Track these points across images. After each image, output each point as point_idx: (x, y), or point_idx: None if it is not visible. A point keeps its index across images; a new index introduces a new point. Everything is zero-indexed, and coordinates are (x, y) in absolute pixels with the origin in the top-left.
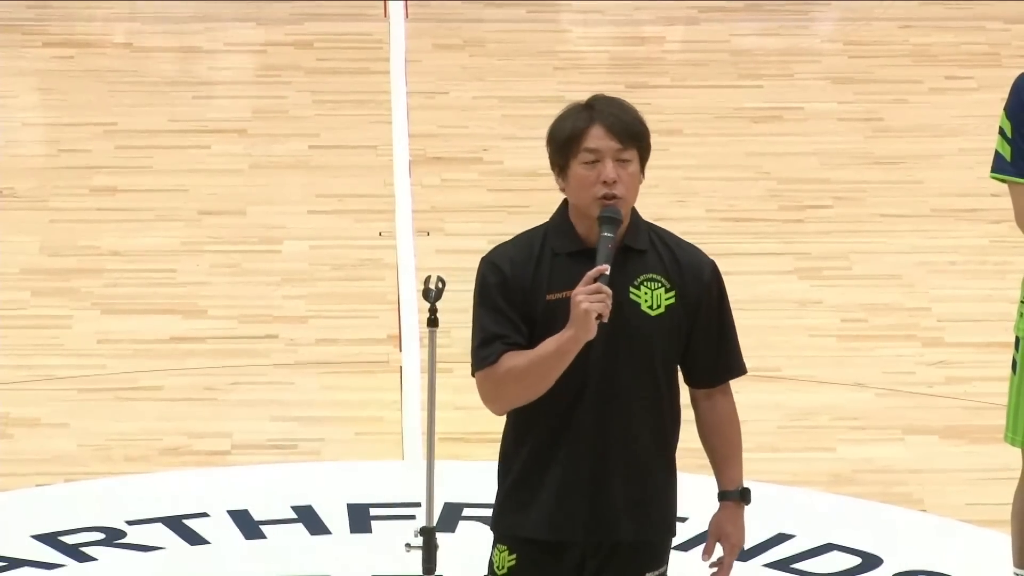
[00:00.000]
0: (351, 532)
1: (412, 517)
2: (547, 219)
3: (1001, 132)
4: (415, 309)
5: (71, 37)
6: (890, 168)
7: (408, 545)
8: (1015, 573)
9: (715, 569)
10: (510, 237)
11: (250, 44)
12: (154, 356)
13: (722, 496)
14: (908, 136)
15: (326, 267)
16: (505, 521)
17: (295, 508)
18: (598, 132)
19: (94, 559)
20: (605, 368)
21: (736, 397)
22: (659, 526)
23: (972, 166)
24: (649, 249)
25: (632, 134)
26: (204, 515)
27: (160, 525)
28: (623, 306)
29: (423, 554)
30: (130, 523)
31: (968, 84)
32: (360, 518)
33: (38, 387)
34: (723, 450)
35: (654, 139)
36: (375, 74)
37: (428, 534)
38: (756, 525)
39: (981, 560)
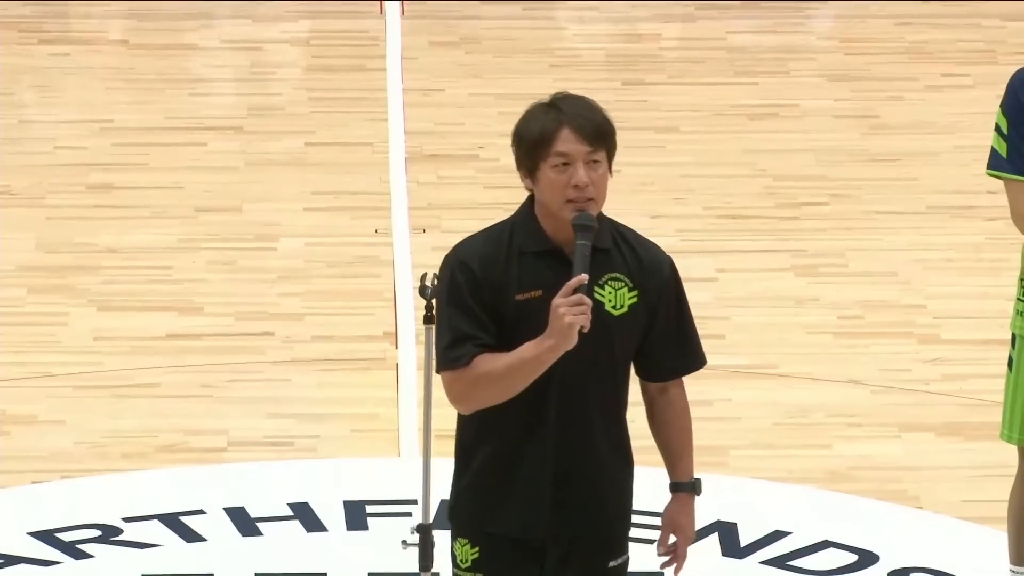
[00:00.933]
0: (347, 529)
1: (408, 514)
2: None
3: (997, 129)
4: (411, 306)
5: (67, 34)
6: (886, 165)
7: (404, 542)
8: (1011, 570)
9: (666, 558)
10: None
11: (246, 41)
12: (150, 353)
13: (675, 488)
14: (904, 133)
15: (322, 264)
16: (466, 514)
17: (291, 505)
18: (568, 135)
19: (90, 556)
20: (571, 368)
21: (732, 394)
22: (617, 519)
23: (968, 163)
24: (612, 248)
25: (601, 135)
26: (200, 512)
27: (156, 522)
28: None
29: (419, 551)
30: (127, 520)
31: (964, 81)
32: (356, 515)
33: (35, 384)
34: (677, 443)
35: (650, 136)
36: (371, 71)
37: (424, 531)
38: (752, 522)
39: (977, 557)
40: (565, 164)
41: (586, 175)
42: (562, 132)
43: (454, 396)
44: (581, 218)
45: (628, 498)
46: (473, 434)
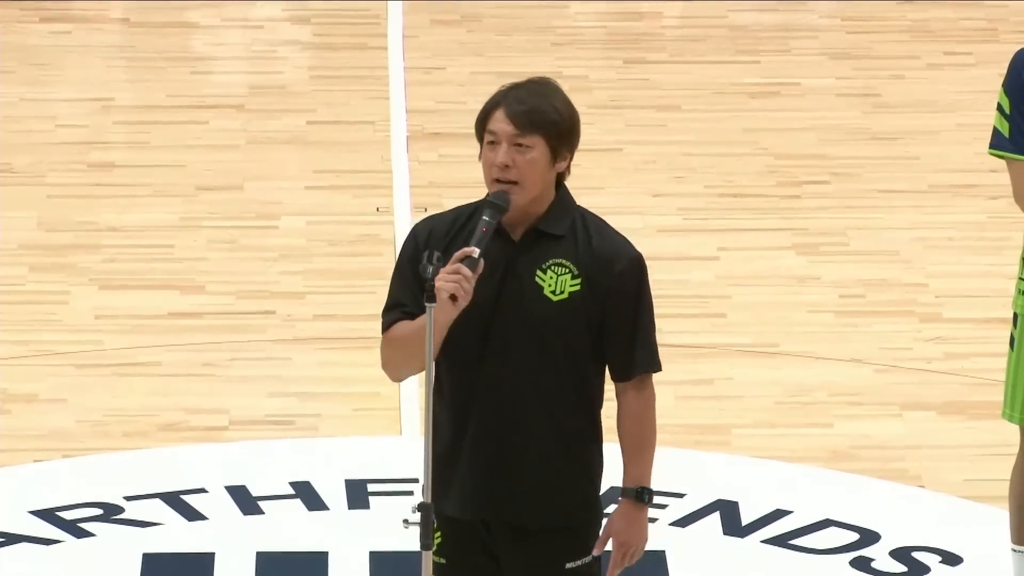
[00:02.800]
0: (349, 508)
1: (410, 493)
2: None
3: (999, 108)
4: None
5: (68, 12)
6: (888, 144)
7: (406, 521)
8: (1012, 549)
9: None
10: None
11: (247, 19)
12: (152, 332)
13: (620, 493)
14: (906, 112)
15: (323, 243)
16: (430, 496)
17: (293, 484)
18: (499, 115)
19: (92, 535)
20: (503, 350)
21: (733, 372)
22: (558, 511)
23: (970, 142)
24: (567, 235)
25: (534, 121)
26: (202, 491)
27: (158, 501)
28: (526, 289)
29: (421, 530)
30: (128, 499)
31: (966, 60)
32: (358, 494)
33: (36, 363)
34: (627, 447)
35: (651, 115)
36: (373, 49)
37: (426, 510)
38: (753, 501)
39: (979, 536)
40: (493, 143)
41: (507, 156)
42: (496, 112)
43: (382, 360)
44: (493, 195)
45: (577, 493)
46: (435, 417)
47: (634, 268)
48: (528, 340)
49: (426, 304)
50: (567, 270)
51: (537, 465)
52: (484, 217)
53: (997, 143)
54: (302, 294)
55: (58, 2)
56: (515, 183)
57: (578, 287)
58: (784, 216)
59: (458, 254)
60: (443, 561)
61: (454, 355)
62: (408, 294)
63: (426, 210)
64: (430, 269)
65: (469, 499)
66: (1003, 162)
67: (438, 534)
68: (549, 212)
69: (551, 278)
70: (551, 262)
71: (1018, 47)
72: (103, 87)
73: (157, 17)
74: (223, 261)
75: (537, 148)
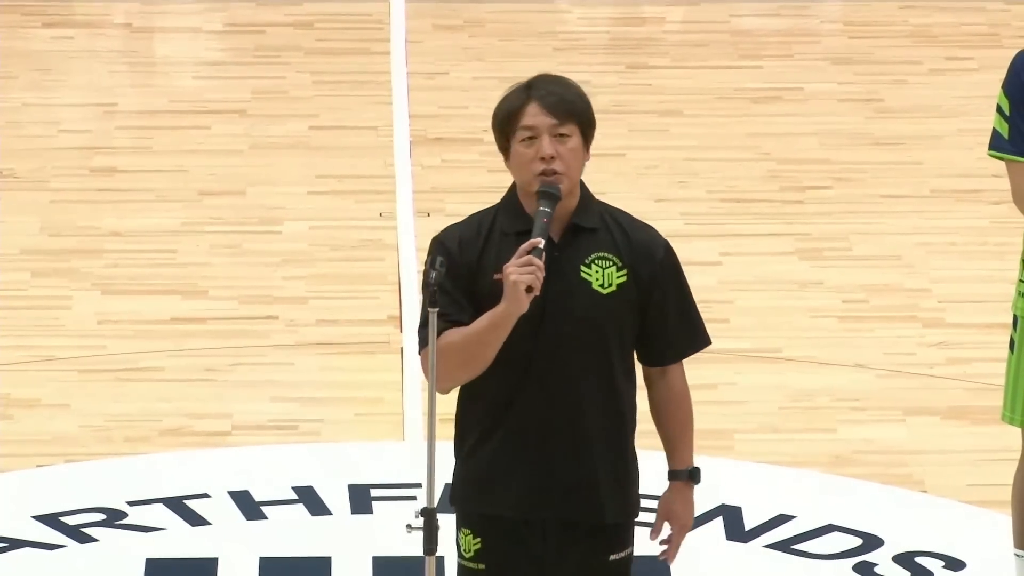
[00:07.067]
0: (352, 513)
1: (413, 498)
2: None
3: (999, 110)
4: (415, 290)
5: (71, 17)
6: (890, 149)
7: (409, 526)
8: (1016, 554)
9: (665, 547)
10: None
11: (250, 24)
12: (154, 337)
13: (672, 476)
14: (908, 117)
15: (326, 248)
16: (463, 500)
17: (296, 489)
18: (534, 109)
19: (95, 540)
20: (554, 346)
21: (736, 378)
22: (612, 508)
23: (972, 147)
24: (600, 227)
25: (569, 110)
26: (205, 496)
27: (161, 506)
28: (573, 286)
29: (424, 535)
30: (131, 504)
31: (968, 64)
32: (361, 499)
33: (39, 368)
34: (675, 429)
35: (653, 120)
36: (375, 55)
37: (429, 515)
38: (756, 506)
39: (982, 541)
40: (531, 138)
41: (551, 147)
42: (529, 107)
43: (426, 373)
44: (545, 186)
45: (625, 488)
46: (467, 415)
47: (670, 254)
48: (581, 336)
49: (430, 310)
50: (611, 262)
51: (591, 461)
52: (542, 208)
53: (997, 144)
54: (305, 299)
55: (61, 7)
56: (559, 173)
57: (625, 278)
58: (787, 221)
59: (524, 246)
60: (482, 567)
61: (503, 356)
62: (450, 304)
63: (428, 215)
64: (433, 275)
65: (518, 498)
66: (1003, 164)
67: (477, 540)
68: (580, 206)
69: (597, 272)
70: (594, 256)
71: (1018, 50)
72: (106, 92)
73: (160, 22)
74: (226, 266)
75: (575, 136)
